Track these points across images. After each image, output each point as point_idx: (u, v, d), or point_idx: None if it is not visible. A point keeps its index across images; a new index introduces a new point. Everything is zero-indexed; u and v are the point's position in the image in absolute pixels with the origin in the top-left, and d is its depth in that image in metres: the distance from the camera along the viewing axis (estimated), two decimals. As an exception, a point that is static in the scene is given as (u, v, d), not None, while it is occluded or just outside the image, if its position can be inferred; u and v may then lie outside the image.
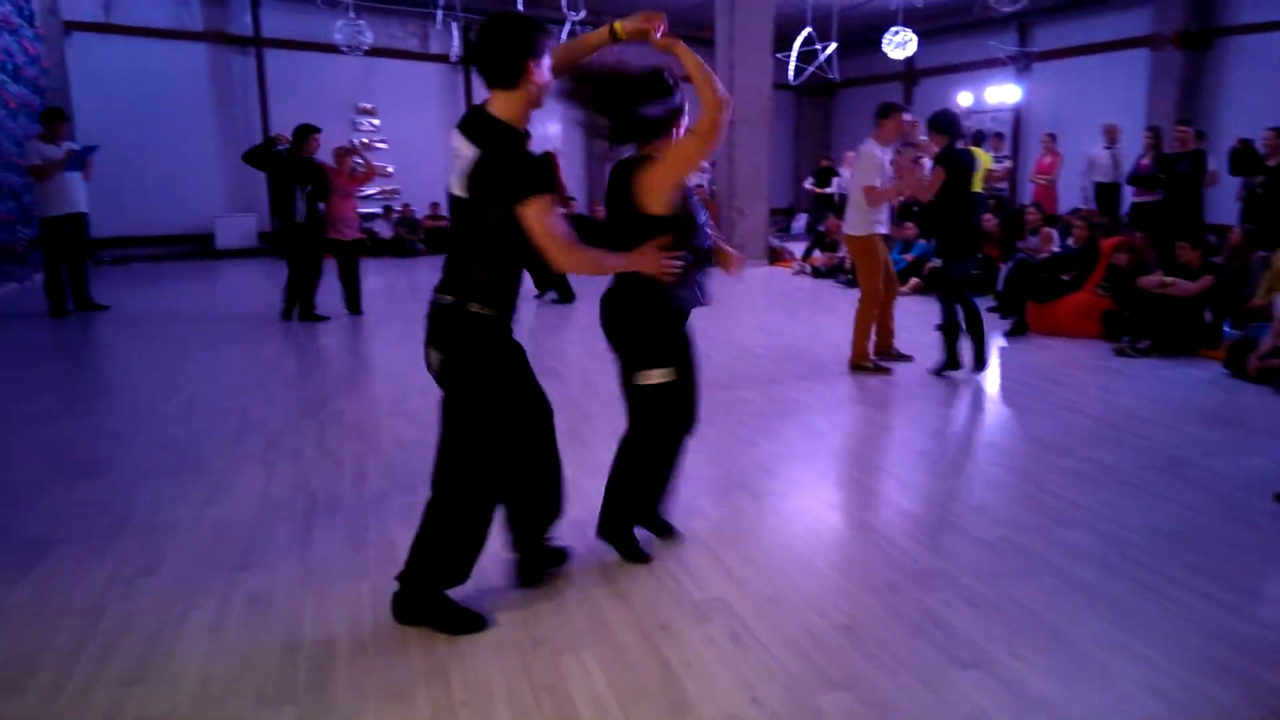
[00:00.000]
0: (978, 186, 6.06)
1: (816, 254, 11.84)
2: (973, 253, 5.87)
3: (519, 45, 2.38)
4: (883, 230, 6.12)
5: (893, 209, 7.95)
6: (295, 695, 2.35)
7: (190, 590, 2.92)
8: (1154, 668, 2.45)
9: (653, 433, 3.02)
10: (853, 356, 6.11)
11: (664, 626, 2.69)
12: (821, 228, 12.56)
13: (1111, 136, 10.84)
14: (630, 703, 2.31)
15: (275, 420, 4.93)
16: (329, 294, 8.25)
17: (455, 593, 2.70)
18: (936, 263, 6.14)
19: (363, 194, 9.94)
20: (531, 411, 2.71)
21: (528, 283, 2.90)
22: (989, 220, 9.02)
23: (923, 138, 6.41)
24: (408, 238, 14.18)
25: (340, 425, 4.85)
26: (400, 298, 9.94)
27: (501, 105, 2.45)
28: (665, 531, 3.29)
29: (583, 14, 12.69)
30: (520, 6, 12.75)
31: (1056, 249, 8.43)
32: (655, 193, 2.78)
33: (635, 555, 3.11)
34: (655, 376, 2.92)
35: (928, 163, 6.19)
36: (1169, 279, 6.65)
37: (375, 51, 13.32)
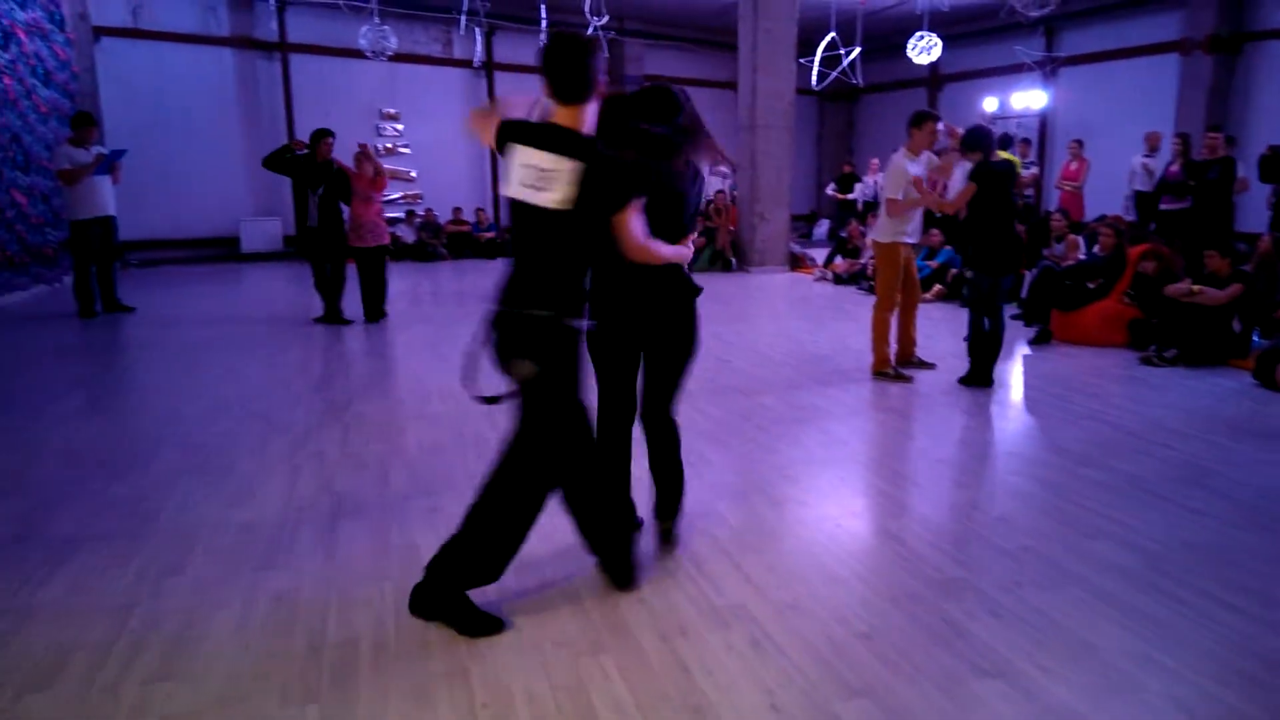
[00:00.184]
0: None
1: (838, 260, 11.81)
2: (1006, 270, 5.71)
3: (593, 64, 2.53)
4: (910, 240, 6.10)
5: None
6: (319, 694, 2.37)
7: (216, 590, 2.96)
8: (1179, 679, 2.43)
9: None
10: (874, 363, 6.11)
11: (684, 631, 2.69)
12: (843, 233, 12.53)
13: (1153, 144, 10.68)
14: (649, 706, 2.31)
15: (300, 422, 4.98)
16: (351, 299, 8.32)
17: (479, 595, 2.71)
18: (967, 273, 6.04)
19: (386, 198, 9.96)
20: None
21: None
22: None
23: (941, 148, 6.36)
24: (430, 242, 14.27)
25: (364, 428, 4.89)
26: (423, 301, 10.00)
27: (572, 118, 2.55)
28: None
29: (605, 19, 12.76)
30: (543, 14, 12.84)
31: (1082, 256, 8.37)
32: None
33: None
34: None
35: (956, 177, 6.16)
36: (1197, 287, 6.57)
37: (399, 57, 13.46)
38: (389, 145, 14.87)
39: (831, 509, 3.76)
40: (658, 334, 3.05)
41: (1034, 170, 13.37)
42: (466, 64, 15.23)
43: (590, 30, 12.57)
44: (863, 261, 10.93)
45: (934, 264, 9.65)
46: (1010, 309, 7.64)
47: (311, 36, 13.96)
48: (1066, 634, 2.67)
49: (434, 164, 15.26)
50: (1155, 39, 13.11)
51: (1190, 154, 9.57)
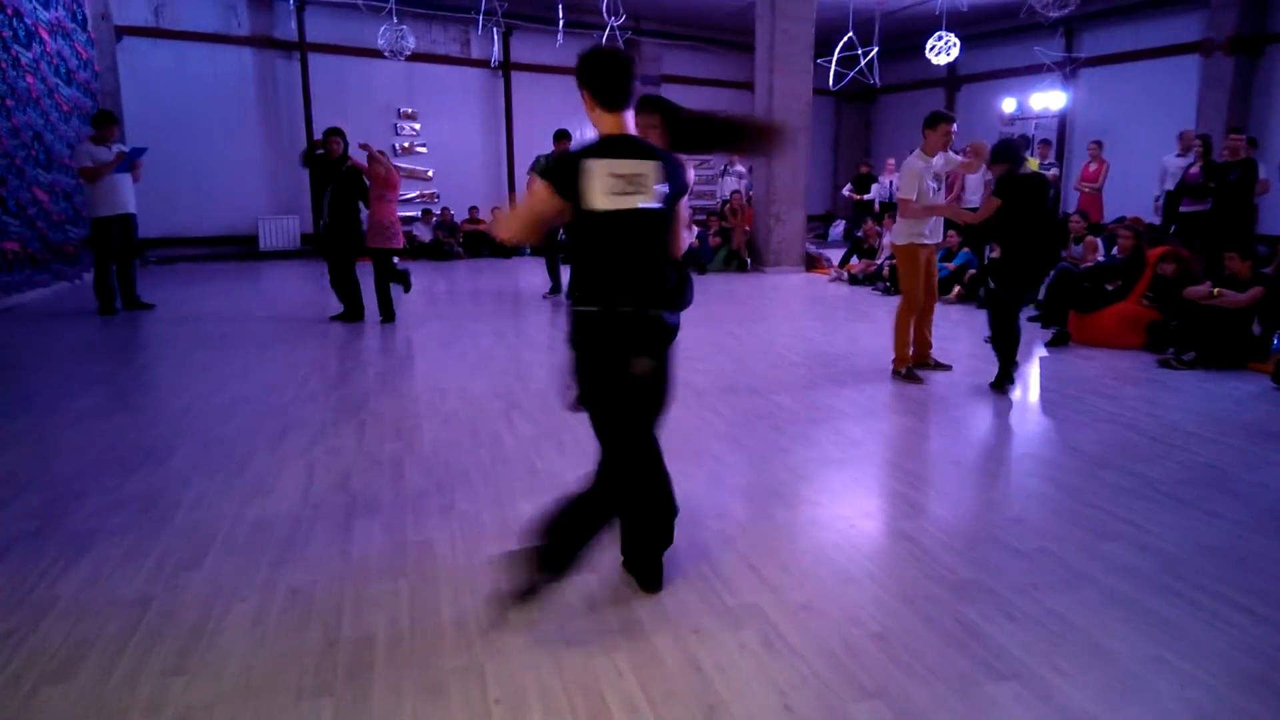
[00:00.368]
0: None
1: (854, 261, 11.77)
2: (1027, 288, 5.68)
3: (635, 71, 2.70)
4: (929, 241, 6.09)
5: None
6: (334, 689, 2.39)
7: (233, 584, 2.98)
8: (1194, 683, 2.41)
9: None
10: (895, 361, 6.13)
11: (697, 630, 2.69)
12: (859, 234, 12.49)
13: (1187, 143, 10.55)
14: (662, 705, 2.32)
15: (316, 419, 5.01)
16: (368, 298, 8.36)
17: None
18: (988, 283, 5.98)
19: (402, 198, 9.97)
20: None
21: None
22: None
23: (955, 155, 6.33)
24: (446, 241, 14.33)
25: (379, 425, 4.91)
26: (439, 300, 10.04)
27: (622, 124, 2.69)
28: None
29: (622, 19, 12.77)
30: (560, 14, 12.86)
31: (1101, 258, 8.31)
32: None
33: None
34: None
35: (972, 181, 6.13)
36: (1217, 290, 6.52)
37: (417, 56, 13.52)
38: (405, 144, 14.93)
39: (845, 509, 3.75)
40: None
41: (1054, 171, 13.29)
42: (484, 64, 15.30)
43: (607, 30, 12.63)
44: (878, 262, 10.90)
45: (952, 266, 9.61)
46: (1028, 310, 7.60)
47: (330, 36, 14.04)
48: (1081, 636, 2.66)
49: (451, 163, 15.33)
50: (1176, 40, 13.00)
51: (1211, 156, 9.48)
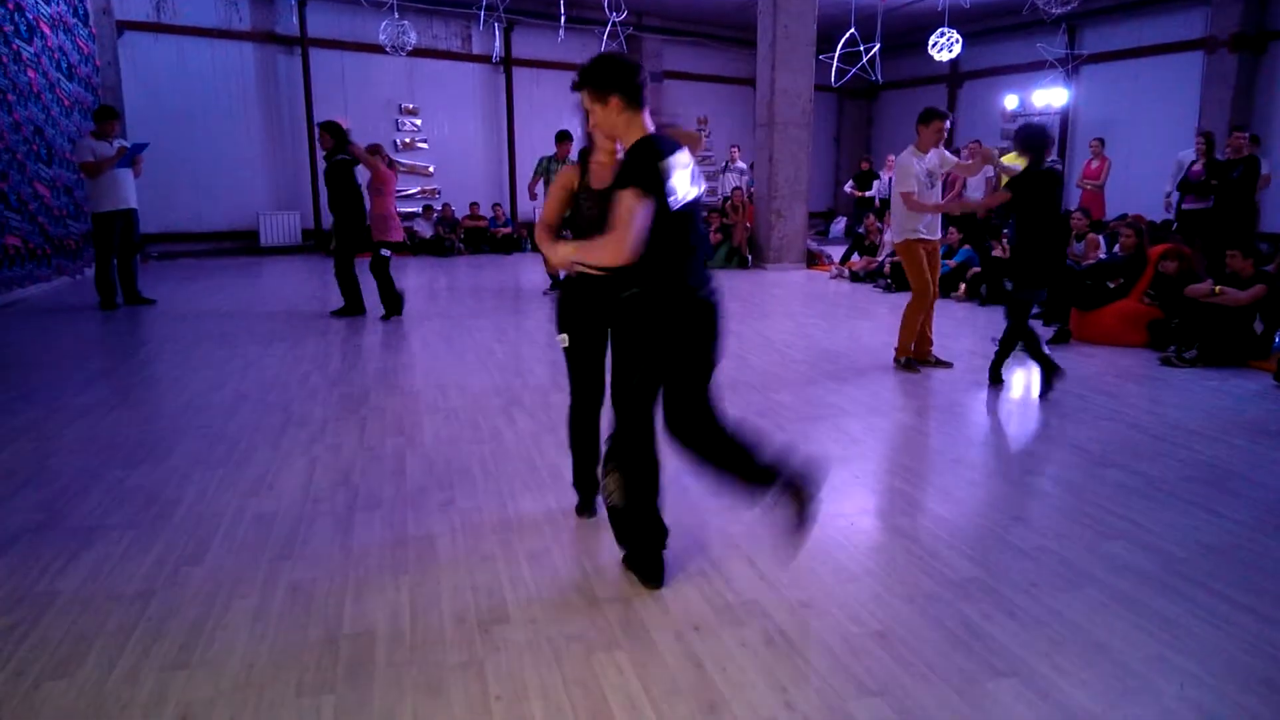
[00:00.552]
0: None
1: (855, 258, 11.76)
2: (1040, 286, 5.55)
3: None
4: (926, 235, 6.09)
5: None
6: (334, 685, 2.39)
7: (234, 579, 2.98)
8: (1198, 683, 2.41)
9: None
10: (896, 349, 6.28)
11: (697, 627, 2.69)
12: (861, 230, 12.48)
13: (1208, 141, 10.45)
14: (663, 701, 2.32)
15: (317, 415, 5.01)
16: (370, 294, 8.35)
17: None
18: (1005, 284, 5.90)
19: (402, 193, 9.96)
20: None
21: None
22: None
23: (951, 156, 6.31)
24: (447, 237, 14.33)
25: (381, 421, 4.91)
26: (439, 296, 10.03)
27: (650, 121, 2.79)
28: None
29: (624, 14, 12.75)
30: (562, 9, 12.84)
31: (1103, 255, 8.30)
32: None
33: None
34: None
35: (971, 186, 6.12)
36: (1219, 288, 6.51)
37: (418, 52, 13.50)
38: (407, 140, 14.92)
39: (846, 507, 3.75)
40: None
41: (1057, 167, 13.25)
42: (485, 59, 15.28)
43: (609, 26, 12.61)
44: (880, 259, 10.89)
45: (953, 263, 9.59)
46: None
47: (331, 31, 14.03)
48: (1083, 635, 2.65)
49: (452, 159, 15.32)
50: (1179, 37, 12.98)
51: (1214, 153, 9.46)
